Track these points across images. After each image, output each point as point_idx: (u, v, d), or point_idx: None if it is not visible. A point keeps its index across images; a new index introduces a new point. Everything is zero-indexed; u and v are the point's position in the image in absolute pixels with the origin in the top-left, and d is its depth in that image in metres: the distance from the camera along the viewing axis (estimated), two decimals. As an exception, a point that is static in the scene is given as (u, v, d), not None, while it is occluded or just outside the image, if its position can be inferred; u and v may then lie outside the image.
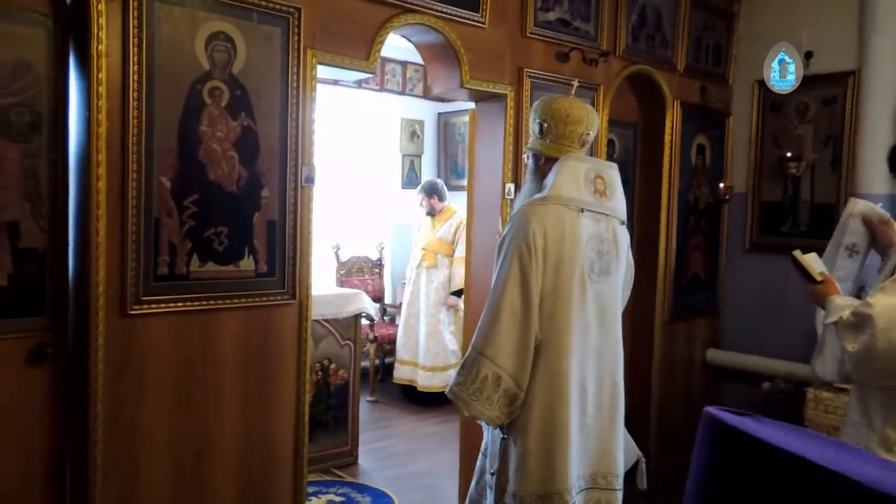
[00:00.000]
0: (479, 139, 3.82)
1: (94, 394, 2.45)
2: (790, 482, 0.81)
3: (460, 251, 5.81)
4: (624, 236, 2.60)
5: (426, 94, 6.88)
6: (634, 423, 2.85)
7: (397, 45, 4.26)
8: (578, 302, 2.43)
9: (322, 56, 2.94)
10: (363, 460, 4.77)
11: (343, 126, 6.62)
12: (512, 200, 3.57)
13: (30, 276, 2.38)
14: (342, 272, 6.51)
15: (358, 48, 3.07)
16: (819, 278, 2.33)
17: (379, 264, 6.84)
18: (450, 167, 7.45)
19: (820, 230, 4.46)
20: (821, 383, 3.76)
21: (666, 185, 4.56)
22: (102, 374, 2.47)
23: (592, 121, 2.57)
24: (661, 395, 4.62)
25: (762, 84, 4.64)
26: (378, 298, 6.69)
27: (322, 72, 3.00)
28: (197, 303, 2.67)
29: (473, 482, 2.68)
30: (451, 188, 6.58)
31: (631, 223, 4.47)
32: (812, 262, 2.36)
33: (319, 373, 4.53)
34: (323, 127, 5.74)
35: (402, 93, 6.95)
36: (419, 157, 7.42)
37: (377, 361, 6.36)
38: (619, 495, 2.59)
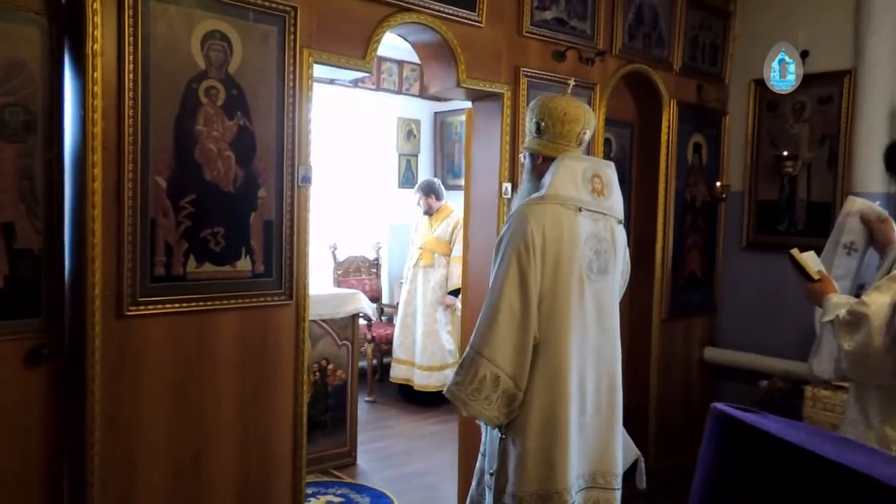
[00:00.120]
0: (475, 138, 3.81)
1: (91, 395, 2.44)
2: (798, 477, 0.81)
3: (457, 250, 5.81)
4: (621, 235, 2.60)
5: (423, 94, 6.88)
6: (633, 423, 2.85)
7: (394, 45, 4.26)
8: (577, 301, 2.43)
9: (318, 55, 2.93)
10: (362, 461, 4.76)
11: (339, 125, 6.61)
12: (509, 200, 3.57)
13: (25, 278, 2.37)
14: (339, 272, 6.50)
15: (354, 47, 3.06)
16: (816, 277, 2.33)
17: (376, 264, 6.83)
18: (446, 166, 7.44)
19: (816, 229, 4.47)
20: (818, 381, 3.76)
21: (662, 184, 4.56)
22: (99, 375, 2.45)
23: (589, 120, 2.56)
24: (658, 394, 4.63)
25: (758, 83, 4.65)
26: (375, 298, 6.68)
27: (318, 71, 2.99)
28: (194, 303, 2.66)
29: (474, 483, 2.67)
30: (447, 187, 6.57)
31: (628, 222, 4.46)
32: (810, 260, 2.36)
33: (317, 373, 4.52)
34: (319, 126, 5.75)
35: (399, 92, 6.94)
36: (416, 156, 7.41)
37: (375, 361, 6.35)
38: (618, 495, 2.58)
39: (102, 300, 2.45)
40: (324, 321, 4.54)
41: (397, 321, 6.28)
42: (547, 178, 2.49)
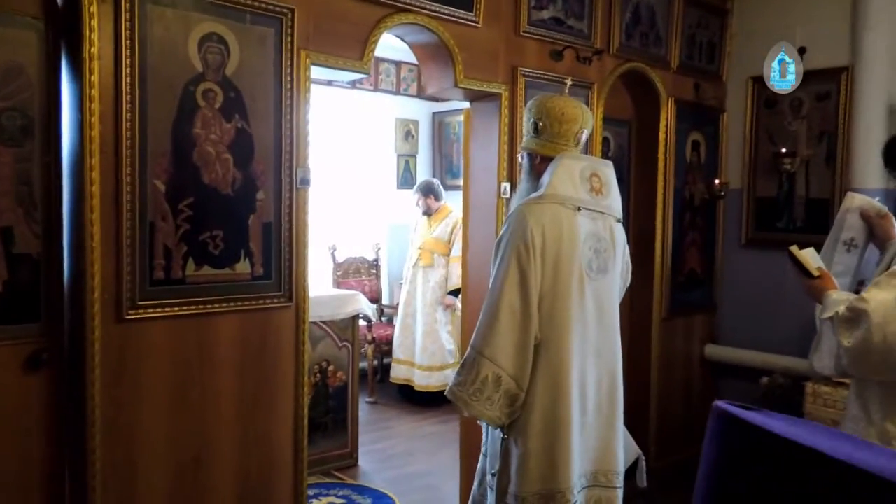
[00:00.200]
0: (473, 138, 3.81)
1: (91, 399, 2.44)
2: (802, 475, 0.81)
3: (457, 250, 5.81)
4: (620, 234, 2.60)
5: (420, 94, 6.88)
6: (634, 421, 2.85)
7: (391, 45, 4.25)
8: (577, 300, 2.43)
9: (316, 57, 2.93)
10: (363, 462, 4.76)
11: (338, 127, 6.61)
12: (508, 199, 3.57)
13: (24, 282, 2.36)
14: (339, 273, 6.50)
15: (351, 48, 3.06)
16: (816, 273, 2.33)
17: (375, 265, 6.83)
18: (445, 167, 7.44)
19: (815, 225, 4.47)
20: (819, 377, 3.76)
21: (661, 183, 4.56)
22: (99, 379, 2.45)
23: (587, 119, 2.56)
24: (659, 392, 4.63)
25: (756, 80, 4.65)
26: (375, 299, 6.68)
27: (316, 72, 2.99)
28: (193, 307, 2.66)
29: (476, 484, 2.67)
30: (446, 188, 6.57)
31: (627, 221, 4.47)
32: (809, 257, 2.36)
33: (318, 375, 4.52)
34: (317, 128, 5.75)
35: (397, 93, 6.94)
36: (414, 157, 7.41)
37: (375, 362, 6.34)
38: (620, 493, 2.58)
39: (102, 304, 2.45)
40: (324, 323, 4.54)
41: (397, 321, 6.28)
42: (545, 178, 2.49)
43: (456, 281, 5.79)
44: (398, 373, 6.16)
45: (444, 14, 3.33)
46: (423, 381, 5.99)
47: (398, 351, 6.16)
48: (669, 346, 4.72)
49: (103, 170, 2.43)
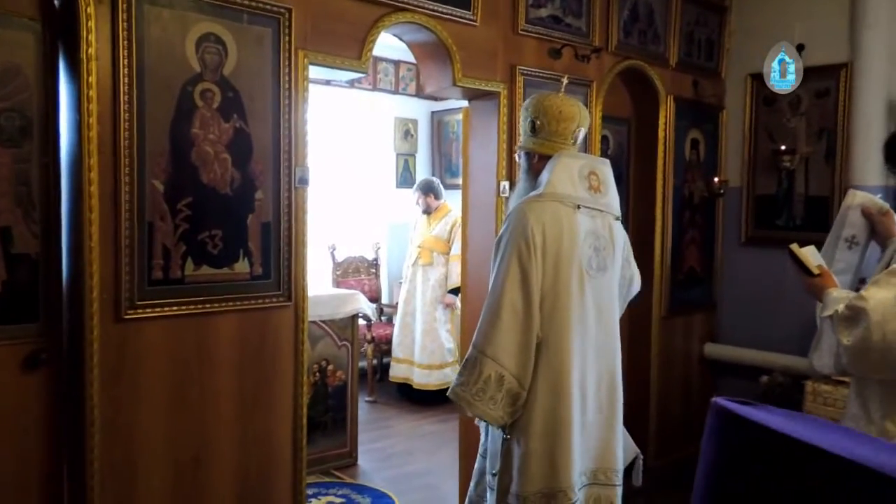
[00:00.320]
0: (472, 137, 3.81)
1: (89, 399, 2.44)
2: (801, 471, 0.80)
3: (456, 249, 5.81)
4: (619, 232, 2.60)
5: (419, 93, 6.87)
6: (633, 420, 2.84)
7: (389, 45, 4.25)
8: (578, 299, 2.42)
9: (314, 56, 2.93)
10: (362, 461, 4.76)
11: (336, 126, 6.61)
12: (507, 198, 3.56)
13: (23, 282, 2.36)
14: (338, 273, 6.50)
15: (349, 48, 3.06)
16: (816, 271, 2.32)
17: (375, 264, 6.83)
18: (444, 166, 7.44)
19: (815, 223, 4.47)
20: (819, 376, 3.76)
21: (660, 181, 4.56)
22: (98, 379, 2.45)
23: (584, 117, 2.56)
24: (659, 391, 4.62)
25: (755, 78, 4.65)
26: (375, 298, 6.67)
27: (314, 72, 2.99)
28: (192, 306, 2.66)
29: (472, 484, 2.66)
30: (445, 187, 6.57)
31: (626, 219, 4.48)
32: (809, 255, 2.35)
33: (317, 374, 4.52)
34: (316, 127, 5.74)
35: (395, 92, 6.94)
36: (413, 156, 7.40)
37: (375, 362, 6.34)
38: (619, 491, 2.58)
39: (100, 304, 2.45)
40: (323, 322, 4.54)
41: (396, 320, 6.28)
42: (544, 176, 2.49)
43: (456, 279, 5.79)
44: (397, 371, 6.16)
45: (441, 13, 3.32)
46: (423, 379, 5.99)
47: (397, 349, 6.16)
48: (669, 345, 4.72)
49: (102, 170, 2.43)
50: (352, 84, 6.43)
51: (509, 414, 2.38)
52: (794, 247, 2.37)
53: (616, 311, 2.61)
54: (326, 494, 4.19)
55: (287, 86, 2.84)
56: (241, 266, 2.78)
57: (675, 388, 4.77)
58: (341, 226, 6.70)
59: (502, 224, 2.54)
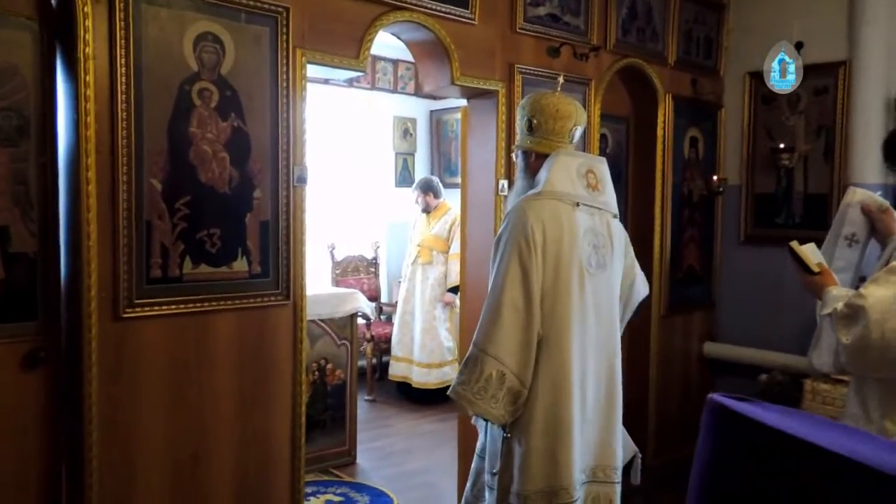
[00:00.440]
0: (471, 136, 3.81)
1: (88, 397, 2.44)
2: (798, 468, 0.80)
3: (455, 247, 5.80)
4: (618, 230, 2.59)
5: (418, 92, 6.87)
6: (632, 418, 2.84)
7: (388, 44, 4.25)
8: (577, 297, 2.42)
9: (311, 55, 2.92)
10: (361, 460, 4.76)
11: (335, 125, 6.60)
12: (506, 197, 3.56)
13: (21, 281, 2.37)
14: (337, 272, 6.50)
15: (347, 47, 3.06)
16: (816, 269, 2.31)
17: (374, 263, 6.83)
18: (443, 165, 7.43)
19: (814, 221, 4.47)
20: (818, 375, 3.76)
21: (659, 179, 4.56)
22: (96, 377, 2.46)
23: (581, 116, 2.56)
24: (658, 390, 4.62)
25: (754, 76, 4.65)
26: (374, 297, 6.67)
27: (312, 71, 2.98)
28: (190, 305, 2.66)
29: (469, 484, 2.66)
30: (444, 186, 6.56)
31: (625, 217, 4.49)
32: (809, 252, 2.34)
33: (316, 373, 4.52)
34: (315, 127, 5.74)
35: (394, 91, 6.94)
36: (412, 155, 7.40)
37: (374, 360, 6.34)
38: (618, 488, 2.58)
39: (99, 303, 2.45)
40: (322, 321, 4.54)
41: (396, 319, 6.28)
42: (542, 175, 2.49)
43: (455, 278, 5.79)
44: (396, 370, 6.16)
45: (440, 11, 3.32)
46: (422, 378, 5.99)
47: (396, 348, 6.16)
48: (668, 343, 4.72)
49: (99, 169, 2.43)
50: (350, 83, 6.43)
51: (510, 413, 2.38)
52: (794, 244, 2.37)
53: (616, 309, 2.61)
54: (325, 493, 4.19)
55: (285, 85, 2.84)
56: (240, 265, 2.78)
57: (674, 387, 4.77)
58: (340, 225, 6.70)
59: (501, 223, 2.53)
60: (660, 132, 4.54)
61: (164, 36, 2.55)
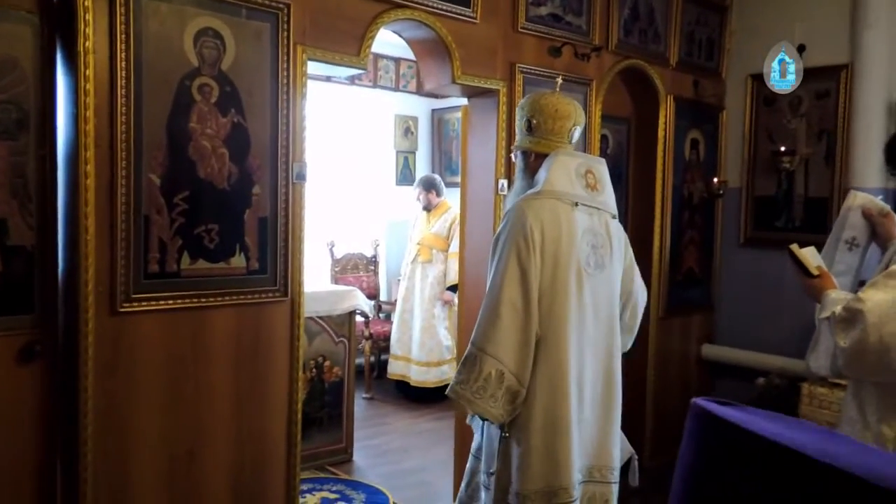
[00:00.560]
0: (471, 135, 3.80)
1: (83, 391, 2.44)
2: (784, 478, 0.79)
3: (455, 246, 5.80)
4: (617, 230, 2.59)
5: (420, 91, 6.87)
6: (629, 420, 2.84)
7: (390, 42, 4.24)
8: (575, 296, 2.42)
9: (312, 52, 2.92)
10: (358, 457, 4.76)
11: (337, 123, 6.60)
12: (505, 196, 3.56)
13: (18, 274, 2.37)
14: (337, 269, 6.50)
15: (348, 44, 3.05)
16: (816, 272, 2.31)
17: (374, 261, 6.82)
18: (444, 164, 7.43)
19: (814, 224, 4.46)
20: (815, 378, 3.75)
21: (660, 181, 4.55)
22: (92, 371, 2.46)
23: (580, 116, 2.56)
24: (655, 391, 4.62)
25: (755, 78, 4.64)
26: (373, 295, 6.67)
27: (314, 68, 2.98)
28: (188, 300, 2.66)
29: (464, 484, 2.65)
30: (445, 185, 6.55)
31: (625, 219, 4.48)
32: (809, 255, 2.34)
33: (314, 370, 4.52)
34: (316, 124, 5.73)
35: (396, 89, 6.93)
36: (413, 153, 7.39)
37: (372, 358, 6.34)
38: (615, 488, 2.57)
39: (96, 297, 2.45)
40: (320, 318, 4.53)
41: (395, 317, 6.28)
42: (542, 174, 2.48)
43: (454, 276, 5.78)
44: (395, 368, 6.16)
45: (441, 10, 3.32)
46: (420, 376, 5.99)
47: (395, 346, 6.16)
48: (666, 345, 4.72)
49: (98, 163, 2.43)
50: (352, 81, 6.42)
51: (508, 412, 2.38)
52: (794, 247, 2.36)
53: (615, 310, 2.60)
54: (321, 490, 4.19)
55: (285, 81, 2.84)
56: (238, 261, 2.78)
57: (672, 389, 4.76)
58: (340, 222, 6.69)
59: (500, 222, 2.53)
60: (661, 133, 4.54)
61: (164, 31, 2.55)
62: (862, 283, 2.58)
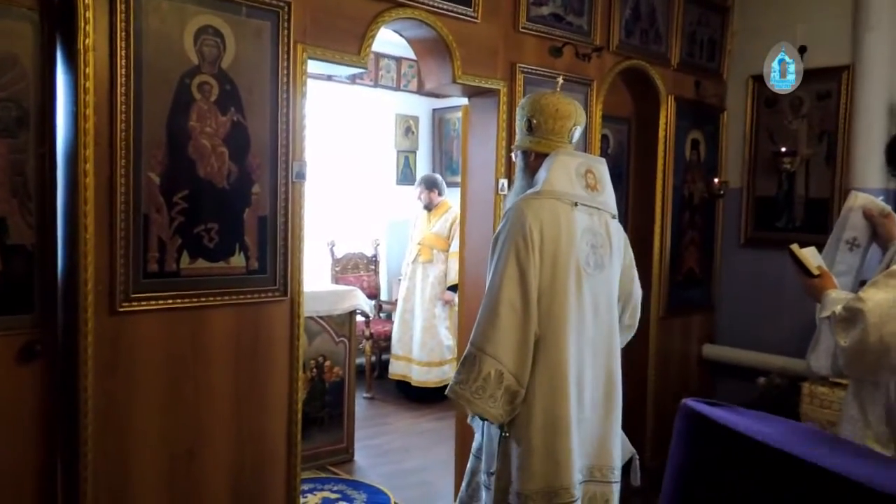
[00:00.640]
0: (472, 134, 3.80)
1: (83, 391, 2.44)
2: (771, 477, 0.79)
3: (456, 246, 5.80)
4: (616, 230, 2.58)
5: (421, 90, 6.86)
6: (630, 420, 2.83)
7: (391, 41, 4.24)
8: (575, 296, 2.41)
9: (312, 51, 2.92)
10: (359, 457, 4.76)
11: (338, 122, 6.59)
12: (506, 196, 3.55)
13: (18, 273, 2.36)
14: (337, 269, 6.49)
15: (349, 43, 3.05)
16: (816, 272, 2.31)
17: (374, 261, 6.82)
18: (445, 163, 7.43)
19: (815, 225, 4.46)
20: (816, 378, 3.75)
21: (660, 181, 4.55)
22: (92, 371, 2.45)
23: (580, 116, 2.56)
24: (656, 391, 4.62)
25: (757, 79, 4.64)
26: (374, 295, 6.67)
27: (315, 67, 2.98)
28: (187, 300, 2.66)
29: (464, 483, 2.65)
30: (446, 184, 6.56)
31: (625, 219, 4.48)
32: (809, 255, 2.34)
33: (314, 370, 4.52)
34: (317, 123, 5.73)
35: (397, 88, 6.93)
36: (414, 153, 7.39)
37: (373, 358, 6.34)
38: (616, 488, 2.57)
39: (95, 296, 2.45)
40: (321, 318, 4.53)
41: (396, 317, 6.28)
42: (542, 174, 2.48)
43: (455, 276, 5.78)
44: (396, 369, 6.16)
45: (442, 9, 3.31)
46: (422, 376, 5.98)
47: (396, 347, 6.16)
48: (667, 346, 4.71)
49: (97, 161, 2.43)
50: (353, 80, 6.42)
51: (508, 412, 2.37)
52: (795, 247, 2.36)
53: (615, 310, 2.60)
54: (322, 490, 4.19)
55: (285, 80, 2.83)
56: (237, 260, 2.77)
57: (673, 389, 4.75)
58: (341, 222, 6.69)
59: (500, 222, 2.52)
60: (661, 134, 4.53)
61: (164, 29, 2.54)
62: (863, 284, 2.57)
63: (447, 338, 6.01)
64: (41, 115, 2.38)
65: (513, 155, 2.73)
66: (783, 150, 4.62)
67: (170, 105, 2.57)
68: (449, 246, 6.07)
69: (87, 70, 2.38)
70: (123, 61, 2.44)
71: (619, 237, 2.59)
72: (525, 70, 3.66)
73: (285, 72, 2.83)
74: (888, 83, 4.23)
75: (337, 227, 6.59)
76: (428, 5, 3.26)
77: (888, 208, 2.54)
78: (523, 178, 2.59)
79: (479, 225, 3.75)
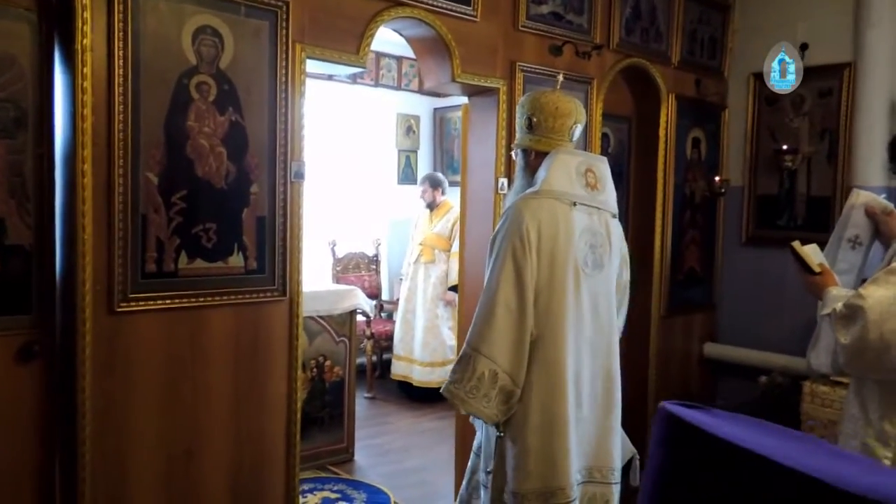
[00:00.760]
0: (471, 133, 3.79)
1: (81, 391, 2.44)
2: (748, 480, 0.78)
3: (457, 246, 5.79)
4: (616, 229, 2.58)
5: (422, 90, 6.85)
6: (631, 419, 2.83)
7: (392, 41, 4.23)
8: (573, 296, 2.41)
9: (311, 50, 2.91)
10: (359, 457, 4.75)
11: (338, 122, 6.59)
12: (505, 195, 3.54)
13: (16, 274, 2.36)
14: (338, 268, 6.49)
15: (348, 42, 3.04)
16: (818, 269, 2.30)
17: (375, 260, 6.82)
18: (446, 162, 7.42)
19: (816, 223, 4.45)
20: (817, 376, 3.74)
21: (661, 179, 4.54)
22: (90, 371, 2.45)
23: (580, 114, 2.55)
24: (657, 390, 4.61)
25: (758, 77, 4.62)
26: (375, 295, 6.66)
27: (315, 67, 2.97)
28: (185, 300, 2.65)
29: (465, 482, 2.65)
30: (448, 183, 6.55)
31: (626, 218, 4.47)
32: (811, 253, 2.33)
33: (314, 370, 4.51)
34: (318, 123, 5.72)
35: (398, 88, 6.92)
36: (415, 152, 7.39)
37: (374, 358, 6.33)
38: (616, 489, 2.56)
39: (93, 296, 2.44)
40: (321, 318, 4.53)
41: (398, 317, 6.27)
42: (541, 173, 2.48)
43: (456, 276, 5.77)
44: (398, 369, 6.15)
45: (441, 8, 3.31)
46: (424, 377, 5.98)
47: (398, 347, 6.15)
48: (668, 344, 4.70)
49: (95, 162, 2.43)
50: (354, 79, 6.41)
51: (503, 412, 2.37)
52: (796, 244, 2.35)
53: (613, 309, 2.59)
54: (322, 489, 4.19)
55: (284, 79, 2.83)
56: (236, 260, 2.77)
57: (674, 388, 4.75)
58: (342, 221, 6.68)
59: (498, 221, 2.52)
60: (662, 132, 4.52)
61: (162, 29, 2.54)
62: (864, 281, 2.56)
63: (450, 338, 6.00)
64: (39, 115, 2.38)
65: (513, 153, 2.73)
66: (784, 147, 4.60)
67: (168, 105, 2.57)
68: (450, 246, 6.06)
69: (85, 70, 2.37)
70: (121, 61, 2.44)
71: (618, 236, 2.59)
72: (525, 68, 3.65)
73: (284, 71, 2.82)
74: (890, 80, 4.21)
75: (338, 227, 6.59)
76: (427, 4, 3.25)
77: (890, 206, 2.53)
78: (523, 177, 2.59)
79: (478, 224, 3.74)
